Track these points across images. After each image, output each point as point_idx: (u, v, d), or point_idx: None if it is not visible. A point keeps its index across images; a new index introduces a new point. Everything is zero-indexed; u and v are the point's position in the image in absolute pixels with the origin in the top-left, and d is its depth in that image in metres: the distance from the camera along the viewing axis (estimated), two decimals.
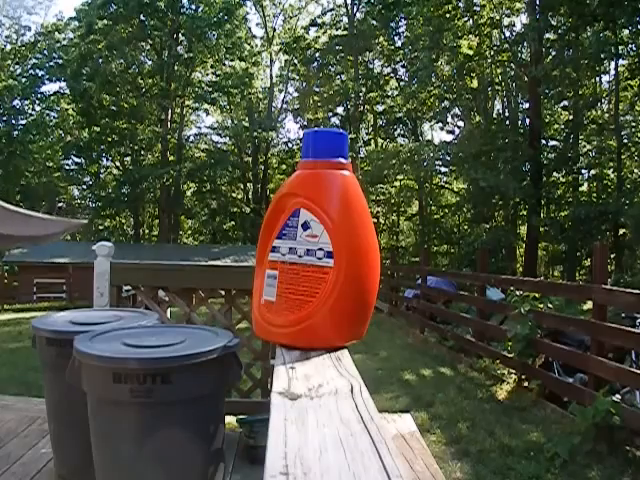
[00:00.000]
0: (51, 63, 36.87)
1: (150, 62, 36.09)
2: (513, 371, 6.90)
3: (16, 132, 35.90)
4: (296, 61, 35.44)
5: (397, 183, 30.12)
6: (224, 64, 35.29)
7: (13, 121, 36.64)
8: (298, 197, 0.91)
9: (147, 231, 39.67)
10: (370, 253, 0.96)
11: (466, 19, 25.56)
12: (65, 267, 24.65)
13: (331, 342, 0.95)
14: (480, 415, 5.67)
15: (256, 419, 3.77)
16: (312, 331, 0.91)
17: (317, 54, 33.52)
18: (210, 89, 34.81)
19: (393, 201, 31.85)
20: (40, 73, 37.33)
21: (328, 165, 0.91)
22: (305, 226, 0.90)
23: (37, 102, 37.90)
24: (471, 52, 24.92)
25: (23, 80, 37.11)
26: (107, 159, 38.60)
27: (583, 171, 25.52)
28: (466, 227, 29.23)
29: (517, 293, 7.03)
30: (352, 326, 0.98)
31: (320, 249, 0.89)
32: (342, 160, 0.92)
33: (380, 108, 34.11)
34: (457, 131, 29.25)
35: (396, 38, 31.36)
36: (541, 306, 6.57)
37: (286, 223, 0.94)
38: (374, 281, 1.00)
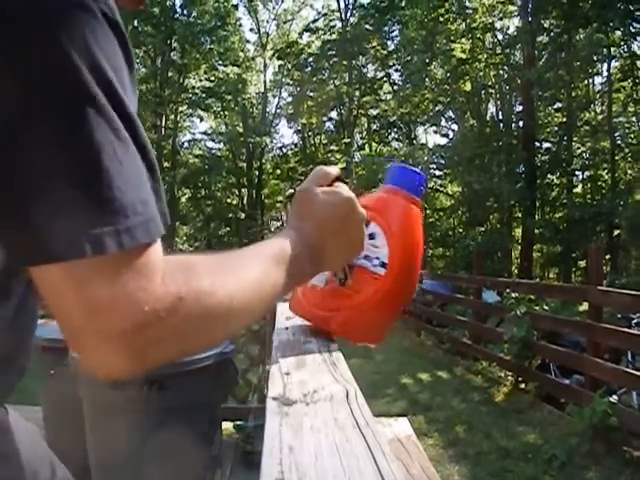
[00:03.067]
0: None
1: (144, 68, 36.09)
2: (510, 373, 6.91)
3: None
4: (290, 66, 35.45)
5: None
6: (218, 70, 35.29)
7: None
8: (374, 212, 1.03)
9: None
10: (412, 277, 1.09)
11: (459, 23, 25.63)
12: None
13: (355, 335, 1.07)
14: (477, 418, 5.67)
15: (253, 424, 3.78)
16: (345, 320, 1.01)
17: (311, 59, 33.54)
18: (204, 95, 34.79)
19: None
20: None
21: (405, 197, 1.07)
22: (371, 236, 1.02)
23: None
24: (464, 55, 24.98)
25: None
26: None
27: (577, 173, 25.59)
28: (461, 230, 29.25)
29: (513, 295, 7.05)
30: (378, 329, 1.09)
31: (377, 258, 1.02)
32: (416, 197, 1.08)
33: (374, 112, 34.12)
34: (451, 134, 29.31)
35: (389, 42, 31.44)
36: (537, 308, 6.59)
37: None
38: (408, 299, 1.14)
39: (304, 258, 0.79)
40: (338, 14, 34.28)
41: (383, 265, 1.01)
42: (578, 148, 23.95)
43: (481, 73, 26.27)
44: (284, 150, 38.45)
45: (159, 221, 0.54)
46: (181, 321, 0.55)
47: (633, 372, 4.91)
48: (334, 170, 0.93)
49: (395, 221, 1.04)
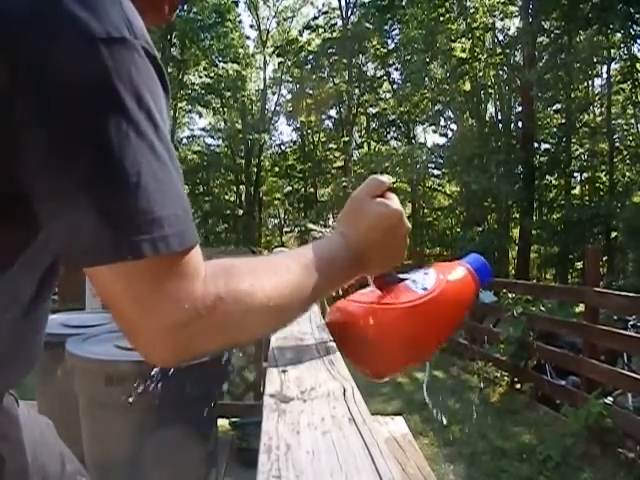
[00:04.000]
0: None
1: None
2: (506, 374, 6.91)
3: None
4: (290, 63, 35.41)
5: None
6: (217, 66, 35.25)
7: None
8: (439, 267, 1.12)
9: None
10: (446, 319, 1.09)
11: (459, 22, 25.63)
12: None
13: (381, 343, 1.02)
14: (473, 418, 5.68)
15: (249, 422, 3.77)
16: (378, 314, 1.01)
17: (311, 57, 33.51)
18: (203, 91, 34.74)
19: None
20: None
21: (471, 277, 1.11)
22: (426, 273, 1.08)
23: None
24: (464, 55, 24.98)
25: None
26: None
27: (575, 174, 25.63)
28: (459, 230, 29.27)
29: (510, 296, 7.05)
30: (402, 348, 1.05)
31: (423, 286, 1.04)
32: (476, 284, 1.12)
33: (373, 111, 34.10)
34: (450, 134, 29.30)
35: (389, 41, 31.43)
36: (534, 309, 6.59)
37: (418, 268, 1.15)
38: (437, 334, 1.10)
39: (346, 262, 0.85)
40: (339, 12, 34.27)
41: (424, 289, 1.04)
42: (577, 150, 23.98)
43: (481, 73, 26.27)
44: (283, 147, 38.43)
45: (192, 232, 0.62)
46: (221, 318, 0.63)
47: (629, 374, 4.93)
48: (387, 180, 0.95)
49: (451, 276, 1.08)
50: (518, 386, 6.53)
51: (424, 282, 1.05)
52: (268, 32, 38.54)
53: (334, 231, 0.91)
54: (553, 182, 25.06)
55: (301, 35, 35.73)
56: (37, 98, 0.55)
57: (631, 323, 5.77)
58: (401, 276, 1.06)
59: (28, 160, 0.56)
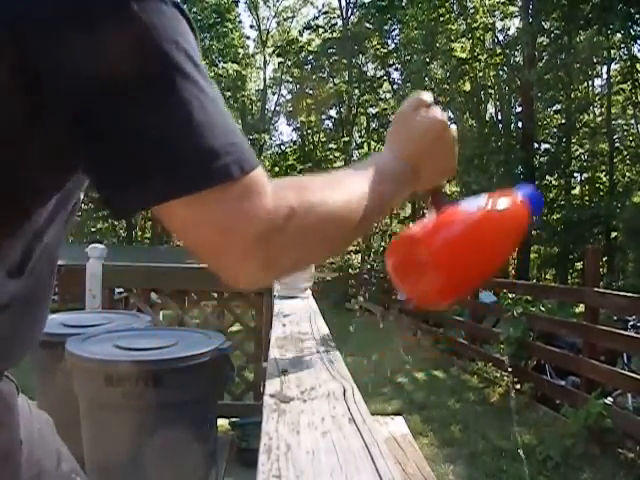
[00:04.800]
0: None
1: None
2: (505, 374, 6.91)
3: None
4: (290, 63, 35.41)
5: None
6: (217, 66, 35.24)
7: None
8: (491, 194, 1.05)
9: (140, 233, 39.53)
10: (496, 240, 1.06)
11: (460, 23, 25.63)
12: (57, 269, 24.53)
13: (448, 264, 1.00)
14: (473, 418, 5.68)
15: (248, 422, 3.77)
16: (438, 230, 0.99)
17: (311, 57, 33.53)
18: None
19: None
20: None
21: (524, 204, 1.07)
22: (479, 197, 1.03)
23: None
24: (464, 55, 24.98)
25: None
26: None
27: (575, 174, 25.64)
28: None
29: (510, 296, 7.04)
30: (464, 268, 1.02)
31: (478, 205, 1.01)
32: (530, 211, 1.08)
33: (373, 111, 34.12)
34: None
35: (389, 41, 31.44)
36: (533, 309, 6.59)
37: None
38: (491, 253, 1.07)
39: (401, 175, 0.87)
40: (339, 12, 34.28)
41: (480, 207, 1.02)
42: (577, 150, 23.99)
43: (481, 73, 26.28)
44: (283, 147, 38.47)
45: (249, 156, 0.64)
46: (297, 228, 0.66)
47: (628, 374, 4.92)
48: (428, 96, 0.96)
49: (504, 200, 1.06)
50: (518, 386, 6.52)
51: (479, 202, 1.03)
52: (268, 32, 38.56)
53: (384, 148, 0.93)
54: (553, 182, 25.06)
55: (301, 35, 35.75)
56: (78, 58, 0.59)
57: (631, 323, 5.76)
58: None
59: (94, 116, 0.61)
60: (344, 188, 0.75)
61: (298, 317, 1.68)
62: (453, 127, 0.95)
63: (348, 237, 0.79)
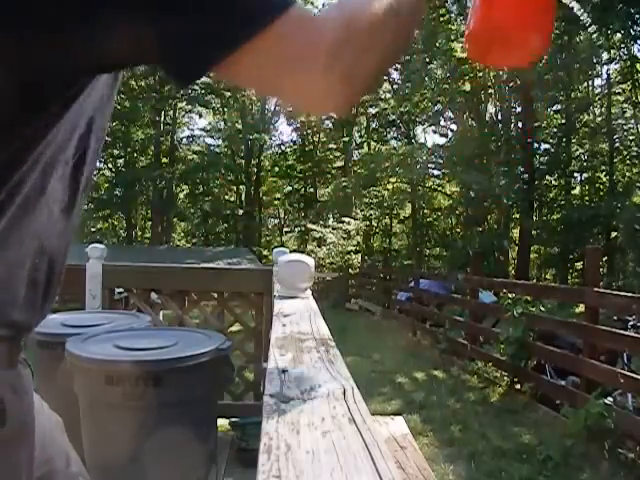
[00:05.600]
0: None
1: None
2: (505, 374, 6.91)
3: None
4: None
5: (390, 186, 30.12)
6: None
7: None
8: None
9: (140, 233, 39.50)
10: None
11: (460, 23, 25.60)
12: None
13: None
14: (473, 418, 5.68)
15: (248, 422, 3.77)
16: None
17: None
18: (203, 91, 34.70)
19: (386, 204, 31.86)
20: None
21: None
22: None
23: None
24: (464, 55, 24.95)
25: None
26: (100, 161, 38.32)
27: (575, 174, 25.60)
28: (459, 230, 29.27)
29: (510, 296, 7.05)
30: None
31: None
32: None
33: (373, 111, 34.09)
34: (450, 134, 29.27)
35: None
36: (533, 309, 6.59)
37: None
38: None
39: None
40: None
41: None
42: (577, 150, 23.96)
43: (481, 73, 26.25)
44: (283, 147, 38.43)
45: None
46: (357, 33, 0.70)
47: (629, 374, 4.92)
48: None
49: None
50: (518, 386, 6.52)
51: None
52: None
53: None
54: (553, 182, 25.04)
55: None
56: None
57: (631, 323, 5.76)
58: None
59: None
60: None
61: (298, 317, 1.68)
62: None
63: (397, 36, 0.79)
